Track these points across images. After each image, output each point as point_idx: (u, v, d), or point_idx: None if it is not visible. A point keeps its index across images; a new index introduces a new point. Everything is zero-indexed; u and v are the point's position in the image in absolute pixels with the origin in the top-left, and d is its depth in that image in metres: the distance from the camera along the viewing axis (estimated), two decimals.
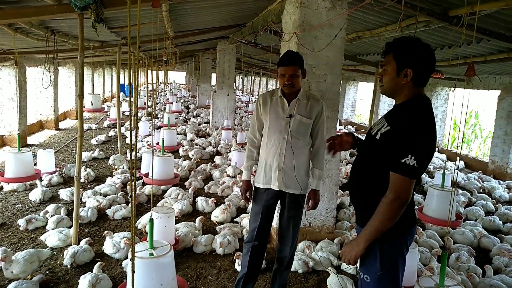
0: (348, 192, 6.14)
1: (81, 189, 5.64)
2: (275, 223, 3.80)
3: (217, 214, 5.06)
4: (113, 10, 4.12)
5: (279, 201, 3.11)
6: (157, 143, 7.16)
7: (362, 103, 17.81)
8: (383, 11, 4.90)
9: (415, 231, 2.23)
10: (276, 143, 2.95)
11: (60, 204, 5.13)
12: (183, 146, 9.20)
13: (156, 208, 4.04)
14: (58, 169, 6.44)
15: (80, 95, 4.07)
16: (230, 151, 8.92)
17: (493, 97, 13.94)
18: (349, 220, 5.15)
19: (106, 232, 4.21)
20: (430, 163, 2.06)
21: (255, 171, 3.20)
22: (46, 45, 5.38)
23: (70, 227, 4.39)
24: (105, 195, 5.68)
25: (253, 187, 3.16)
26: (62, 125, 12.40)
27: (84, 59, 4.04)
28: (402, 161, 1.88)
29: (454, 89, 5.54)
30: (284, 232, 3.17)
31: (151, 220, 2.69)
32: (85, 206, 5.12)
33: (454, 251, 4.41)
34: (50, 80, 8.81)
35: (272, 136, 2.97)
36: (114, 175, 6.54)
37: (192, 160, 7.94)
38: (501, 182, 8.05)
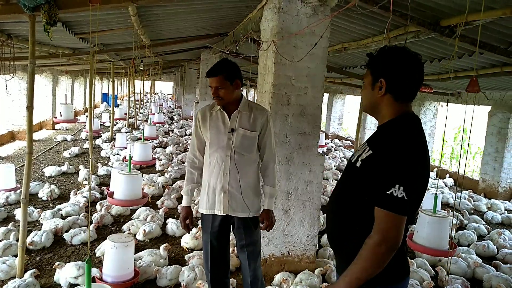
0: None
1: (39, 210, 5.17)
2: None
3: (187, 240, 4.56)
4: (69, 12, 3.68)
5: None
6: (131, 157, 6.69)
7: (349, 117, 17.53)
8: (370, 20, 4.56)
9: (408, 282, 1.80)
10: (219, 162, 2.64)
11: (11, 227, 4.59)
12: (159, 160, 8.68)
13: (114, 236, 3.56)
14: (19, 186, 5.90)
15: (29, 107, 3.60)
16: None
17: (481, 112, 13.80)
18: None
19: (57, 264, 3.68)
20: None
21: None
22: (1, 50, 4.90)
23: None
24: (67, 216, 5.15)
25: (193, 214, 2.85)
26: (36, 136, 11.79)
27: (34, 66, 3.57)
28: (388, 192, 1.50)
29: (447, 104, 5.19)
30: (241, 264, 2.83)
31: (88, 261, 2.21)
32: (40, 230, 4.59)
33: (447, 284, 4.00)
34: (6, 88, 8.24)
35: (214, 154, 2.65)
36: (77, 194, 5.97)
37: (168, 176, 7.44)
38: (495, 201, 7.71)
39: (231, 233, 2.86)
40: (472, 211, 7.08)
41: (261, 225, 2.75)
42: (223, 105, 2.66)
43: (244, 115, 2.67)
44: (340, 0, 3.76)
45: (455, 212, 6.58)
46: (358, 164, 1.70)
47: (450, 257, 4.21)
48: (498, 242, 5.35)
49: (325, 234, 4.89)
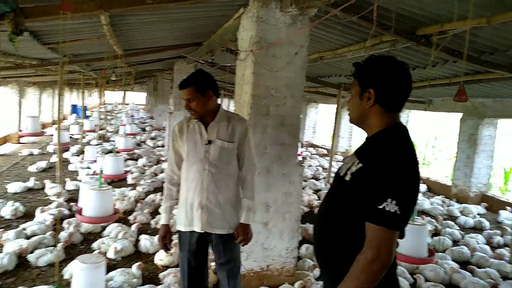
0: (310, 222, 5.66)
1: (1, 230, 4.83)
2: None
3: (161, 257, 4.36)
4: (38, 21, 3.46)
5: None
6: (102, 171, 6.41)
7: (323, 125, 17.68)
8: (346, 29, 4.55)
9: None
10: (196, 176, 2.54)
11: None
12: (131, 173, 8.39)
13: (83, 257, 3.34)
14: None
15: None
16: None
17: (451, 119, 14.18)
18: (312, 258, 4.61)
19: None
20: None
21: None
22: None
23: None
24: (32, 235, 4.83)
25: (172, 232, 2.72)
26: (0, 150, 11.22)
27: None
28: (380, 207, 1.44)
29: (426, 111, 5.26)
30: (220, 282, 2.70)
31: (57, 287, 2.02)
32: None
33: None
34: None
35: (192, 168, 2.54)
36: (44, 211, 5.62)
37: (141, 189, 7.17)
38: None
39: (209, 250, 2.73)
40: (445, 216, 7.18)
41: (236, 240, 2.60)
42: (197, 117, 2.57)
43: (221, 126, 2.57)
44: (319, 9, 3.72)
45: (430, 219, 6.67)
46: (347, 178, 1.63)
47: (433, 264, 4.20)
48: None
49: (304, 245, 4.81)
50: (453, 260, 4.96)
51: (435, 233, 6.09)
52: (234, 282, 2.67)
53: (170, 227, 2.71)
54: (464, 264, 4.94)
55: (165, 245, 2.67)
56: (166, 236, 2.66)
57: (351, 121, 1.78)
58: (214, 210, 2.52)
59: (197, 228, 2.54)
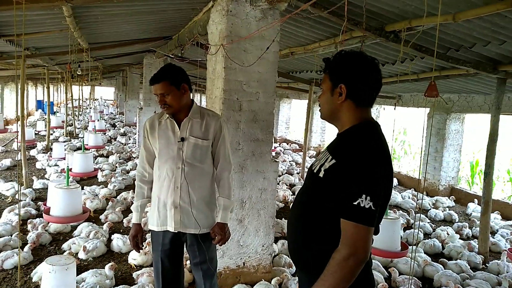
0: (284, 218, 5.68)
1: None
2: None
3: (135, 256, 4.27)
4: None
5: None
6: (70, 169, 6.20)
7: (295, 120, 17.80)
8: (316, 25, 4.58)
9: None
10: (169, 175, 2.46)
11: None
12: (102, 170, 8.18)
13: (52, 258, 3.22)
14: None
15: None
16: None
17: (418, 114, 14.57)
18: (288, 254, 4.63)
19: None
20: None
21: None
22: None
23: None
24: None
25: (143, 231, 2.63)
26: None
27: None
28: (355, 203, 1.44)
29: (395, 108, 5.35)
30: (196, 282, 2.66)
31: None
32: None
33: (400, 285, 4.07)
34: None
35: (164, 166, 2.47)
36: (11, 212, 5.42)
37: (111, 187, 7.00)
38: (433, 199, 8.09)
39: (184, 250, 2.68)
40: (416, 209, 7.35)
41: (213, 240, 2.54)
42: (172, 113, 2.47)
43: (195, 122, 2.50)
44: (289, 4, 3.71)
45: (402, 212, 6.82)
46: (321, 174, 1.61)
47: (410, 257, 4.29)
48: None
49: (279, 241, 4.83)
50: (425, 253, 5.08)
51: (407, 226, 6.24)
52: (211, 282, 2.62)
53: (142, 226, 2.63)
54: (436, 256, 5.08)
55: (137, 245, 2.58)
56: (137, 235, 2.56)
57: (322, 117, 1.76)
58: (188, 209, 2.45)
59: (171, 228, 2.48)
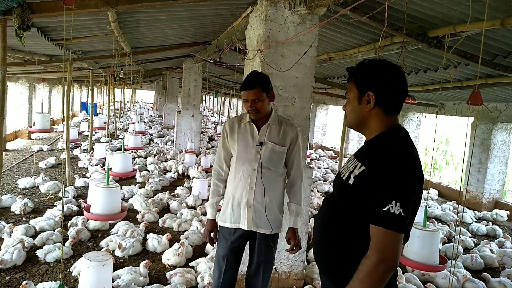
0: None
1: (10, 224, 4.88)
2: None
3: (169, 257, 4.35)
4: (44, 16, 3.47)
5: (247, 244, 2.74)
6: (110, 168, 6.42)
7: (332, 127, 17.59)
8: (356, 30, 4.51)
9: None
10: (245, 176, 2.58)
11: None
12: (140, 171, 8.42)
13: (90, 254, 3.33)
14: None
15: (0, 116, 3.37)
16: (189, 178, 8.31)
17: (461, 123, 14.00)
18: None
19: (25, 283, 3.42)
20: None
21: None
22: None
23: None
24: (41, 231, 4.87)
25: (217, 226, 2.75)
26: (10, 145, 11.35)
27: (5, 73, 3.35)
28: (385, 209, 1.43)
29: (436, 116, 5.17)
30: (252, 279, 2.72)
31: (61, 286, 2.01)
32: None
33: None
34: None
35: (241, 168, 2.59)
36: (55, 206, 5.67)
37: (149, 188, 7.18)
38: (476, 212, 7.73)
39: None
40: (457, 222, 7.05)
41: (288, 245, 2.66)
42: (258, 118, 2.59)
43: (273, 129, 2.61)
44: (328, 9, 3.68)
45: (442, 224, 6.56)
46: (350, 181, 1.62)
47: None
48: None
49: (311, 248, 4.76)
50: (465, 268, 4.84)
51: (448, 238, 5.99)
52: (266, 281, 2.72)
53: (216, 222, 2.76)
54: (478, 273, 4.83)
55: (212, 239, 2.73)
56: (213, 230, 2.72)
57: (349, 125, 1.77)
58: (260, 209, 2.56)
59: (243, 226, 2.59)
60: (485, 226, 6.81)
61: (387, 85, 1.61)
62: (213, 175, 2.79)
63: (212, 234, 2.74)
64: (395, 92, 1.62)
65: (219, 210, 2.77)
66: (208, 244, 2.82)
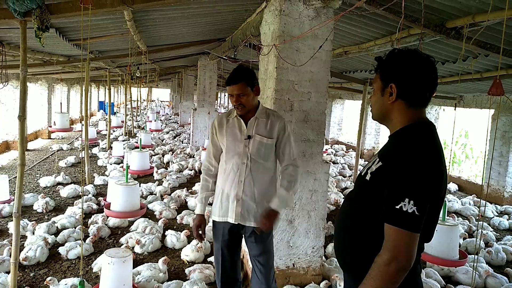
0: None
1: (33, 222, 4.99)
2: None
3: (188, 253, 4.39)
4: (62, 17, 3.52)
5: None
6: (128, 166, 6.51)
7: (348, 122, 17.40)
8: (372, 23, 4.44)
9: None
10: (234, 169, 2.60)
11: (5, 242, 4.41)
12: (157, 169, 8.50)
13: (111, 251, 3.39)
14: (12, 198, 5.72)
15: (21, 116, 3.42)
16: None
17: (481, 115, 13.69)
18: None
19: (49, 279, 3.50)
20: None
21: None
22: None
23: None
24: (63, 228, 4.97)
25: (207, 222, 2.75)
26: (31, 145, 11.60)
27: (26, 74, 3.41)
28: (398, 207, 1.37)
29: (455, 109, 5.06)
30: (252, 275, 2.76)
31: (81, 283, 2.05)
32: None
33: None
34: None
35: (230, 161, 2.62)
36: (74, 205, 5.79)
37: (166, 185, 7.26)
38: (498, 206, 7.57)
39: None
40: (478, 217, 6.92)
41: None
42: (244, 112, 2.60)
43: (261, 121, 2.62)
44: (343, 2, 3.64)
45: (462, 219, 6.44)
46: (367, 177, 1.57)
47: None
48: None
49: (330, 244, 4.74)
50: (487, 263, 4.75)
51: (468, 233, 5.88)
52: (267, 275, 2.68)
53: (205, 217, 2.77)
54: (500, 268, 4.73)
55: (200, 235, 2.73)
56: (201, 225, 2.71)
57: (374, 117, 1.72)
58: (249, 203, 2.57)
59: (231, 219, 2.60)
60: (507, 220, 6.66)
61: (410, 77, 1.52)
62: (202, 170, 2.81)
63: (199, 230, 2.71)
64: (420, 84, 1.53)
65: (210, 204, 2.78)
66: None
